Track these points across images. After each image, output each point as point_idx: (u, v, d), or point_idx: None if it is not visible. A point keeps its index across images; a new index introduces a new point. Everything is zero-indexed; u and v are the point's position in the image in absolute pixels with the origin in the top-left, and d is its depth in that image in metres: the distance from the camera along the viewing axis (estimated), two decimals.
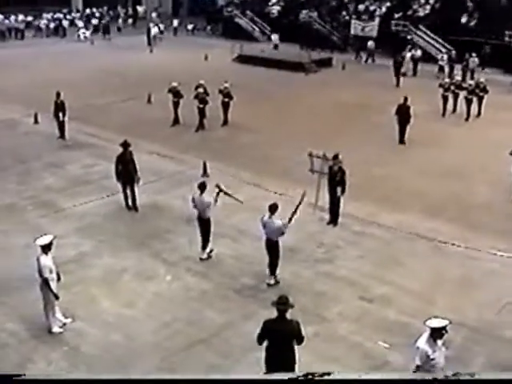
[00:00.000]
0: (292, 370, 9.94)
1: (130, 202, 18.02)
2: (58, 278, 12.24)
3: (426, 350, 9.24)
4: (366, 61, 44.96)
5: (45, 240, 11.95)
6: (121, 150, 18.03)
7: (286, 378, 3.27)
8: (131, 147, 18.16)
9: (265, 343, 10.04)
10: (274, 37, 49.43)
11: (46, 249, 11.86)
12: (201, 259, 15.19)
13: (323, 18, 51.35)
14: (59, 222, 17.17)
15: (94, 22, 60.28)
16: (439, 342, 9.36)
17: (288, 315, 9.94)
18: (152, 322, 12.65)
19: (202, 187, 14.95)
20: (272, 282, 14.04)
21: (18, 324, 12.54)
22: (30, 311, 12.82)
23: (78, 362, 11.48)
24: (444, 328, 9.28)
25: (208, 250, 15.24)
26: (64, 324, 12.43)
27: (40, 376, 3.02)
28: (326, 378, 3.10)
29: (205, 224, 15.09)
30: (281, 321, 9.87)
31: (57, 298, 12.07)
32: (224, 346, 12.01)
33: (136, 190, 18.01)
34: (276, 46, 48.79)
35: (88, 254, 15.51)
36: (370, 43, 45.43)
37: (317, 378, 3.13)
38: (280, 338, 9.91)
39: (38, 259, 11.88)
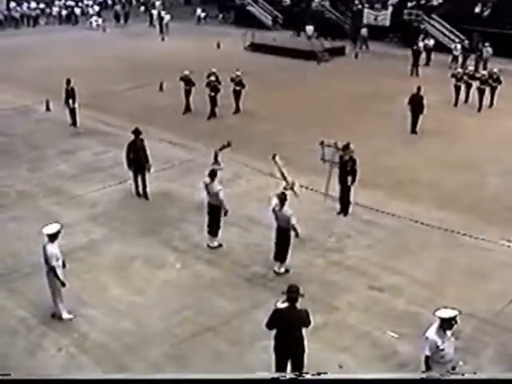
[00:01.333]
0: (301, 358, 9.99)
1: (140, 190, 18.05)
2: (64, 266, 12.27)
3: (435, 341, 9.22)
4: (361, 47, 44.67)
5: (52, 229, 11.98)
6: (132, 137, 18.06)
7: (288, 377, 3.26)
8: (142, 135, 18.18)
9: (274, 331, 10.09)
10: (309, 28, 47.05)
11: (52, 237, 11.90)
12: (209, 246, 15.22)
13: (336, 6, 51.11)
14: (70, 209, 17.24)
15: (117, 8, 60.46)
16: (448, 333, 9.33)
17: (298, 304, 9.96)
18: (161, 310, 12.70)
19: (213, 174, 14.96)
20: (282, 270, 14.05)
21: (28, 311, 12.62)
22: (40, 298, 12.88)
23: (87, 348, 11.55)
24: (454, 318, 9.25)
25: (216, 243, 15.27)
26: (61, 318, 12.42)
27: (40, 376, 3.05)
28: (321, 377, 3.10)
29: (214, 211, 15.11)
30: (290, 309, 9.89)
31: (63, 285, 12.11)
32: (233, 333, 12.05)
33: (147, 177, 18.03)
34: (309, 38, 46.08)
35: (99, 241, 15.57)
36: (364, 30, 45.62)
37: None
38: (289, 326, 9.95)
39: (44, 248, 11.92)
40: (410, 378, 2.93)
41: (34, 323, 12.26)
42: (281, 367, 10.09)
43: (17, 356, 11.30)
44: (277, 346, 10.07)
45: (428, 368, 9.32)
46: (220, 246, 15.24)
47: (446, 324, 9.26)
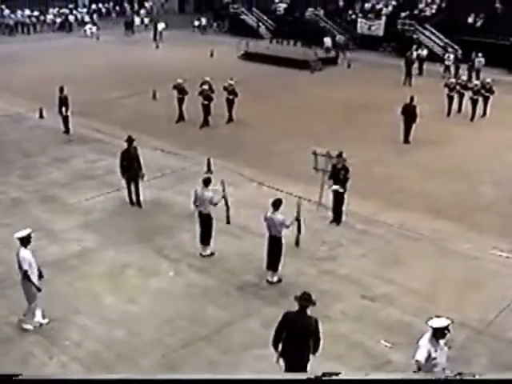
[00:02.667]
0: (304, 367, 9.87)
1: (133, 198, 18.03)
2: (41, 275, 12.24)
3: (428, 349, 9.21)
4: (338, 55, 44.61)
5: (23, 233, 12.02)
6: (125, 145, 18.07)
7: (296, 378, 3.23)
8: (135, 143, 18.17)
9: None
10: (327, 40, 46.25)
11: (24, 241, 11.92)
12: (201, 255, 15.21)
13: (329, 16, 51.29)
14: (63, 217, 17.22)
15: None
16: (441, 342, 9.34)
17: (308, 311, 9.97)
18: (154, 318, 12.67)
19: (206, 182, 14.97)
20: (275, 279, 14.05)
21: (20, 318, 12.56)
22: None
23: (79, 357, 11.51)
24: (446, 328, 9.25)
25: (209, 251, 15.25)
26: (40, 324, 12.34)
27: (40, 376, 3.03)
28: (334, 378, 3.08)
29: (205, 220, 15.12)
30: (301, 315, 9.94)
31: (39, 290, 12.05)
32: (225, 342, 12.02)
33: (140, 186, 18.03)
34: (328, 50, 45.05)
35: (91, 249, 15.54)
36: (338, 38, 46.71)
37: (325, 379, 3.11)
38: (297, 332, 9.94)
39: (17, 253, 11.94)
40: (419, 378, 2.89)
41: (27, 331, 12.20)
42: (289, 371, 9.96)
43: (9, 363, 11.24)
44: (283, 351, 10.01)
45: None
46: (212, 254, 15.23)
47: (439, 333, 9.26)
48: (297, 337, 9.94)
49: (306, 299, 9.94)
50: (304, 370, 9.86)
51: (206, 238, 15.21)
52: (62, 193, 18.87)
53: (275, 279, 14.05)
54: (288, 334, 9.97)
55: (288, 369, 9.94)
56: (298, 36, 46.97)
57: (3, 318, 12.51)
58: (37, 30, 55.90)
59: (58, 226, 16.62)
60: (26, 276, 11.89)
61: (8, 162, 21.40)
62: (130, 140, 18.06)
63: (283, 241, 13.90)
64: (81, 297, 13.34)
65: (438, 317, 9.53)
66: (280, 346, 10.01)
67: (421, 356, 9.21)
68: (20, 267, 11.91)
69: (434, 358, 9.21)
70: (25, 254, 11.88)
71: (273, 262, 14.01)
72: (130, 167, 17.82)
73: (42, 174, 20.45)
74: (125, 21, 57.57)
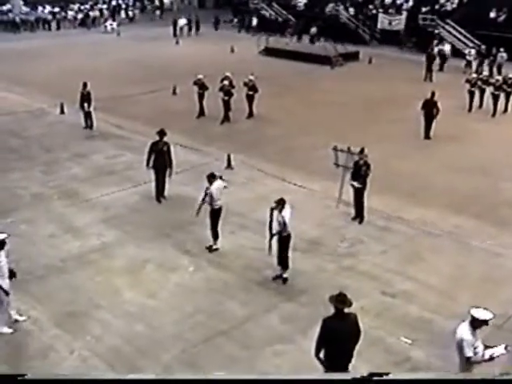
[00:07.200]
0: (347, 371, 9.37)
1: (159, 190, 18.08)
2: (13, 276, 11.98)
3: (472, 343, 9.17)
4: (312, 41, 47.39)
5: None
6: (157, 138, 18.08)
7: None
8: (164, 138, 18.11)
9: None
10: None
11: None
12: (215, 250, 15.25)
13: (350, 11, 51.09)
14: (84, 212, 17.31)
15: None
16: (478, 332, 9.31)
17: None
18: (174, 313, 12.71)
19: (211, 177, 14.95)
20: (285, 275, 13.93)
21: (41, 312, 12.65)
22: (53, 299, 12.99)
23: (99, 351, 11.57)
24: (487, 321, 9.25)
25: (216, 245, 15.29)
26: (16, 321, 12.19)
27: (40, 376, 3.03)
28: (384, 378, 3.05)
29: (212, 215, 15.13)
30: (340, 319, 9.38)
31: (7, 294, 11.76)
32: (244, 337, 12.03)
33: (167, 180, 18.09)
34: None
35: (112, 244, 15.61)
36: (313, 30, 48.20)
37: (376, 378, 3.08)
38: (340, 338, 9.36)
39: None
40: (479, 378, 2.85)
41: (47, 325, 12.29)
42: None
43: (29, 357, 11.33)
44: (327, 357, 9.40)
45: (468, 370, 9.23)
46: (216, 249, 15.25)
47: (478, 323, 9.23)
48: (340, 343, 9.39)
49: (342, 301, 9.34)
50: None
51: (213, 233, 15.27)
52: (83, 188, 18.96)
53: (285, 275, 13.93)
54: (331, 344, 9.39)
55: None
56: (318, 31, 46.96)
57: (24, 312, 12.56)
58: (58, 27, 56.18)
59: (79, 221, 16.71)
60: None
61: (30, 158, 21.54)
62: (160, 133, 18.04)
63: (291, 239, 13.72)
64: (101, 291, 13.41)
65: (478, 307, 9.48)
66: (322, 355, 9.42)
67: (471, 352, 9.17)
68: None
69: (476, 347, 9.22)
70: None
71: (281, 260, 13.93)
72: (160, 161, 17.77)
73: (63, 169, 20.56)
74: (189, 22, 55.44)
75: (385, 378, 3.04)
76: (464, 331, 9.27)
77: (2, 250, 11.72)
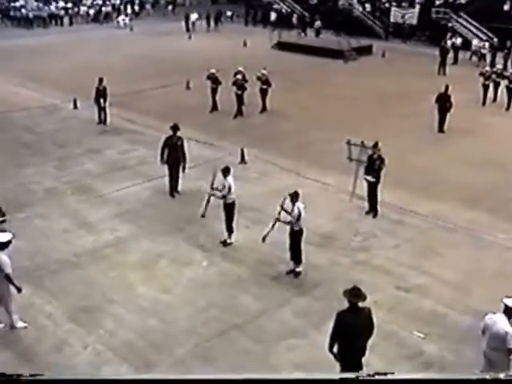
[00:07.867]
0: (360, 365, 9.49)
1: (173, 185, 18.10)
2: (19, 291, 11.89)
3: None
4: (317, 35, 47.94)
5: (3, 238, 11.71)
6: (170, 133, 18.09)
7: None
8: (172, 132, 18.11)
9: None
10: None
11: (3, 246, 11.62)
12: (229, 244, 15.27)
13: (363, 4, 50.91)
14: (97, 207, 17.36)
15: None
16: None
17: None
18: (187, 308, 12.73)
19: (226, 171, 14.95)
20: (298, 269, 13.93)
21: (55, 307, 12.71)
22: (67, 294, 13.04)
23: (113, 345, 11.61)
24: None
25: (230, 239, 15.31)
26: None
27: (40, 376, 3.04)
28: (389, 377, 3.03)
29: (226, 209, 15.16)
30: (354, 313, 9.37)
31: (19, 290, 11.76)
32: (258, 332, 12.03)
33: (180, 175, 18.11)
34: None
35: (125, 238, 15.64)
36: (317, 23, 49.07)
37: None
38: (353, 332, 9.36)
39: None
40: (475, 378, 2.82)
41: (62, 319, 12.34)
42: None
43: (44, 352, 11.39)
44: (341, 351, 9.46)
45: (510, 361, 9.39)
46: (230, 244, 15.29)
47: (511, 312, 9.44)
48: (354, 337, 9.39)
49: (356, 295, 9.32)
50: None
51: (228, 227, 15.32)
52: (96, 183, 19.01)
53: (298, 269, 13.91)
54: (344, 338, 9.39)
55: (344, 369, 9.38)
56: (331, 25, 46.85)
57: (38, 307, 12.65)
58: (70, 22, 56.32)
59: (92, 216, 16.76)
60: (8, 278, 11.54)
61: (43, 153, 21.62)
62: (174, 128, 18.04)
63: (303, 234, 13.70)
64: (115, 286, 13.45)
65: (509, 297, 9.65)
66: (336, 349, 9.45)
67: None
68: (1, 270, 11.55)
69: None
70: (5, 257, 11.56)
71: (293, 255, 13.92)
72: (174, 156, 17.79)
73: (77, 164, 20.62)
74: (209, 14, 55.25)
75: (385, 378, 3.01)
76: (505, 324, 9.41)
77: (6, 251, 11.73)
